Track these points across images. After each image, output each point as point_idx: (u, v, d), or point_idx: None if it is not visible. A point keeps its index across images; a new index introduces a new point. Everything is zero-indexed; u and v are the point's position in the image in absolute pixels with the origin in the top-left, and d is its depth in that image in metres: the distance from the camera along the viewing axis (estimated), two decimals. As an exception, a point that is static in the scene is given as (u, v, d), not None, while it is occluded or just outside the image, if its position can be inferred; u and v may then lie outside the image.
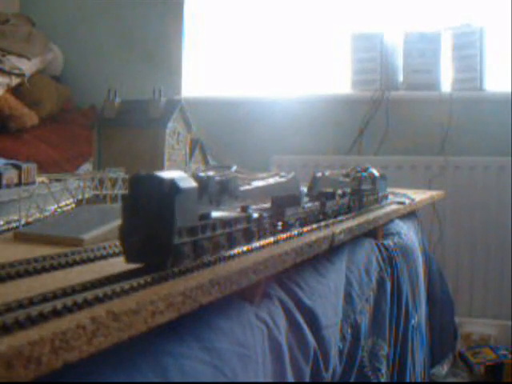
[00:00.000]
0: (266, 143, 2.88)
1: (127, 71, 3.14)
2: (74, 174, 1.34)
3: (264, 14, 3.09)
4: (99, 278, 0.53)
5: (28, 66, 2.77)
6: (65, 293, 0.48)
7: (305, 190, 0.97)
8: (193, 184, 0.58)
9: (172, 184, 0.55)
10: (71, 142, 2.65)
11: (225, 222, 0.66)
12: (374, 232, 1.38)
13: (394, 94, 2.78)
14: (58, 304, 0.44)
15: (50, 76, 3.04)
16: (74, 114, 3.02)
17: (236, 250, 0.69)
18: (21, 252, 0.70)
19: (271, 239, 0.78)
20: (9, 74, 2.63)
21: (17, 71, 2.68)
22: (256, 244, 0.74)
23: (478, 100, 2.71)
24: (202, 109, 2.66)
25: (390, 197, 1.58)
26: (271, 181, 0.83)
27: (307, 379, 0.85)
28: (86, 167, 2.30)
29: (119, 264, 0.57)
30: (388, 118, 2.77)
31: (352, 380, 1.10)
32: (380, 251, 1.39)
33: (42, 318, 0.42)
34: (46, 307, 0.43)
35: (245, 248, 0.71)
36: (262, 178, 0.81)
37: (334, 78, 2.99)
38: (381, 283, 1.32)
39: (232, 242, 0.67)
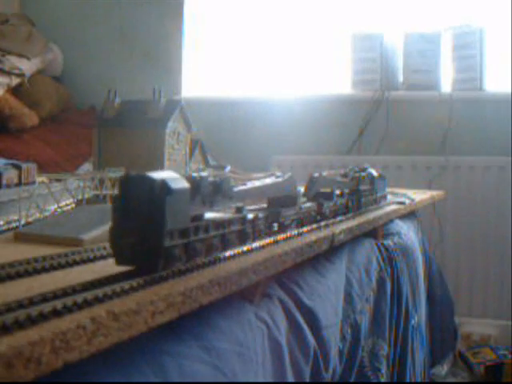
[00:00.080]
0: (266, 143, 2.88)
1: (127, 71, 3.14)
2: (74, 174, 1.34)
3: (264, 14, 3.09)
4: (99, 278, 0.53)
5: (28, 66, 2.77)
6: (65, 293, 0.48)
7: (302, 190, 0.96)
8: (185, 185, 0.57)
9: (163, 185, 0.53)
10: (71, 142, 2.65)
11: (218, 224, 0.64)
12: (374, 232, 1.38)
13: (394, 94, 2.78)
14: (58, 304, 0.44)
15: (50, 76, 3.04)
16: (74, 114, 3.02)
17: (236, 250, 0.69)
18: (21, 252, 0.70)
19: (271, 239, 0.78)
20: (9, 73, 2.63)
21: (17, 71, 2.68)
22: (256, 244, 0.74)
23: (478, 100, 2.71)
24: (202, 109, 2.67)
25: (390, 197, 1.58)
26: (267, 181, 0.82)
27: (307, 379, 0.85)
28: (86, 167, 2.30)
29: (119, 264, 0.57)
30: (388, 118, 2.77)
31: (352, 380, 1.10)
32: (380, 251, 1.39)
33: (42, 318, 0.42)
34: (46, 307, 0.43)
35: (245, 248, 0.71)
36: (258, 179, 0.81)
37: (334, 78, 2.99)
38: (381, 283, 1.32)
39: (226, 244, 0.66)
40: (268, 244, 0.76)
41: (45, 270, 0.59)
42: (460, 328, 2.48)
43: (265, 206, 0.85)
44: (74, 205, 1.05)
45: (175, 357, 0.57)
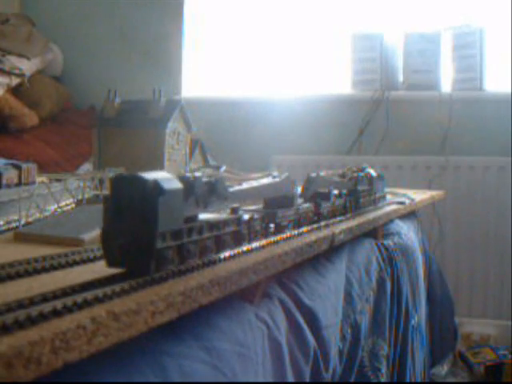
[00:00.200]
0: (266, 143, 2.88)
1: (127, 71, 3.14)
2: (74, 174, 1.34)
3: (264, 14, 3.09)
4: (99, 277, 0.53)
5: (28, 66, 2.77)
6: (65, 293, 0.48)
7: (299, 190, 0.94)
8: (178, 185, 0.56)
9: (155, 185, 0.52)
10: (71, 142, 2.65)
11: (212, 225, 0.63)
12: (374, 232, 1.38)
13: (394, 94, 2.78)
14: (58, 304, 0.44)
15: (50, 76, 3.04)
16: (74, 114, 3.02)
17: (236, 250, 0.68)
18: (21, 252, 0.70)
19: (271, 239, 0.78)
20: (9, 73, 2.63)
21: (17, 71, 2.68)
22: (256, 244, 0.74)
23: (478, 100, 2.71)
24: (202, 109, 2.67)
25: (390, 197, 1.58)
26: (263, 182, 0.81)
27: (307, 379, 0.85)
28: (86, 167, 2.30)
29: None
30: (388, 118, 2.77)
31: (352, 380, 1.10)
32: (380, 251, 1.39)
33: (42, 317, 0.42)
34: (46, 307, 0.43)
35: (244, 248, 0.71)
36: (254, 179, 0.80)
37: (334, 78, 2.99)
38: (381, 283, 1.32)
39: (221, 246, 0.65)
40: (268, 244, 0.76)
41: (45, 270, 0.59)
42: (460, 328, 2.48)
43: (260, 207, 0.84)
44: (73, 205, 1.05)
45: (175, 357, 0.57)
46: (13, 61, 2.67)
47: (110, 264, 0.53)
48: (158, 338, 0.57)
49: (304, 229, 0.89)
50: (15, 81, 2.68)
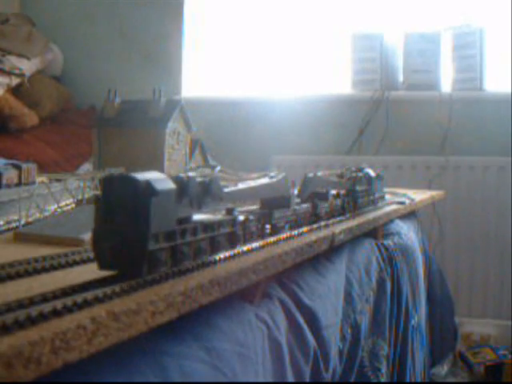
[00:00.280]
0: (266, 143, 2.88)
1: (127, 71, 3.14)
2: (74, 174, 1.34)
3: (264, 14, 3.09)
4: (99, 278, 0.53)
5: (28, 66, 2.77)
6: (65, 293, 0.48)
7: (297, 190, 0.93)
8: (171, 185, 0.55)
9: (147, 185, 0.51)
10: (71, 142, 2.65)
11: (206, 226, 0.62)
12: (374, 232, 1.38)
13: (394, 94, 2.78)
14: (58, 304, 0.44)
15: (50, 76, 3.04)
16: (74, 114, 3.02)
17: (236, 250, 0.68)
18: (21, 252, 0.70)
19: (271, 239, 0.78)
20: (9, 74, 2.63)
21: (17, 71, 2.68)
22: (256, 244, 0.73)
23: (478, 100, 2.71)
24: (202, 109, 2.67)
25: (390, 197, 1.58)
26: (259, 182, 0.80)
27: (307, 379, 0.85)
28: (86, 167, 2.30)
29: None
30: (388, 118, 2.77)
31: (352, 380, 1.10)
32: (380, 251, 1.39)
33: (42, 317, 0.42)
34: (46, 307, 0.43)
35: (244, 248, 0.70)
36: (251, 179, 0.80)
37: (334, 78, 2.99)
38: (381, 283, 1.32)
39: (215, 247, 0.64)
40: (268, 244, 0.76)
41: (45, 270, 0.59)
42: (460, 328, 2.48)
43: (256, 207, 0.83)
44: (73, 205, 1.05)
45: (175, 357, 0.57)
46: (13, 61, 2.67)
47: (102, 267, 0.52)
48: (157, 338, 0.57)
49: (304, 229, 0.89)
50: (15, 81, 2.68)
